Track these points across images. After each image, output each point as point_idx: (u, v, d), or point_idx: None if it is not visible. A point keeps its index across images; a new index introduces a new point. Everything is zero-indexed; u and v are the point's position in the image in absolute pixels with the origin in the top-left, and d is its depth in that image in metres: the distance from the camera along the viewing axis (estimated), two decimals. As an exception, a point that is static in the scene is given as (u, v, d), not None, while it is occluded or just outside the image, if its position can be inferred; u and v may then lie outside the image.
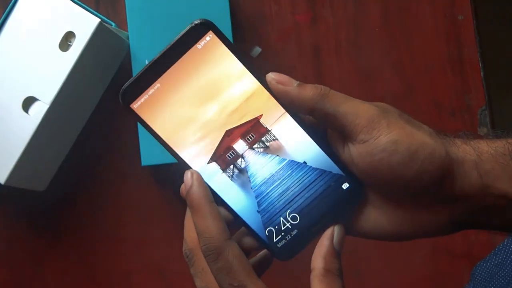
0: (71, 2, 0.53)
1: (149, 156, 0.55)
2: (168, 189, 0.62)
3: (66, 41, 0.54)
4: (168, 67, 0.32)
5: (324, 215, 0.34)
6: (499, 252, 0.47)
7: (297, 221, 0.34)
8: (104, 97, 0.61)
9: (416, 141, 0.31)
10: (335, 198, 0.34)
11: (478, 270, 0.48)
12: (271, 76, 0.33)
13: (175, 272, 0.62)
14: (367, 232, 0.34)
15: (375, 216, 0.34)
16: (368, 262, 0.61)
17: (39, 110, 0.53)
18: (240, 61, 0.32)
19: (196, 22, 0.32)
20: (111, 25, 0.57)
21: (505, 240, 0.48)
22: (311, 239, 0.34)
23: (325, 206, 0.34)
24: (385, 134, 0.31)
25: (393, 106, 0.34)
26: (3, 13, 0.54)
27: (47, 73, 0.53)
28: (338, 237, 0.33)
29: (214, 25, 0.32)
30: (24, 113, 0.53)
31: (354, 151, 0.32)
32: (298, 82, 0.33)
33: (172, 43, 0.32)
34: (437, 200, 0.33)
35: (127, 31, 0.56)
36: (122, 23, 0.60)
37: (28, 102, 0.53)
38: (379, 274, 0.61)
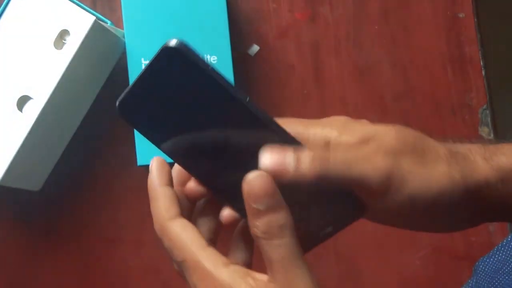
0: (66, -1, 0.53)
1: (145, 155, 0.55)
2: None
3: (61, 39, 0.53)
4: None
5: (324, 223, 0.32)
6: (502, 248, 0.47)
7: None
8: (99, 96, 0.61)
9: (434, 190, 0.29)
10: (337, 209, 0.31)
11: (481, 266, 0.48)
12: (265, 164, 0.28)
13: (172, 272, 0.61)
14: (379, 221, 0.33)
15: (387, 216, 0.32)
16: (368, 263, 0.60)
17: (33, 109, 0.52)
18: (216, 81, 0.29)
19: (168, 44, 0.28)
20: (107, 23, 0.57)
21: (509, 236, 0.48)
22: (311, 247, 0.32)
23: (326, 216, 0.32)
24: (401, 193, 0.29)
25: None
26: (-3, 11, 0.53)
27: (42, 71, 0.52)
28: (253, 190, 0.28)
29: (186, 48, 0.28)
30: (19, 112, 0.53)
31: (369, 203, 0.30)
32: (292, 156, 0.28)
33: (144, 68, 0.29)
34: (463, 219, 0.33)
35: (123, 29, 0.56)
36: (118, 21, 0.59)
37: (22, 101, 0.53)
38: (378, 275, 0.61)
